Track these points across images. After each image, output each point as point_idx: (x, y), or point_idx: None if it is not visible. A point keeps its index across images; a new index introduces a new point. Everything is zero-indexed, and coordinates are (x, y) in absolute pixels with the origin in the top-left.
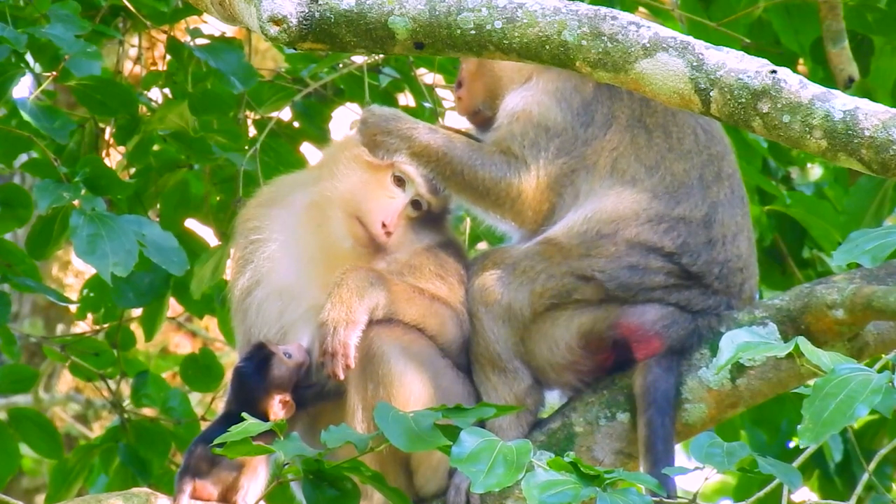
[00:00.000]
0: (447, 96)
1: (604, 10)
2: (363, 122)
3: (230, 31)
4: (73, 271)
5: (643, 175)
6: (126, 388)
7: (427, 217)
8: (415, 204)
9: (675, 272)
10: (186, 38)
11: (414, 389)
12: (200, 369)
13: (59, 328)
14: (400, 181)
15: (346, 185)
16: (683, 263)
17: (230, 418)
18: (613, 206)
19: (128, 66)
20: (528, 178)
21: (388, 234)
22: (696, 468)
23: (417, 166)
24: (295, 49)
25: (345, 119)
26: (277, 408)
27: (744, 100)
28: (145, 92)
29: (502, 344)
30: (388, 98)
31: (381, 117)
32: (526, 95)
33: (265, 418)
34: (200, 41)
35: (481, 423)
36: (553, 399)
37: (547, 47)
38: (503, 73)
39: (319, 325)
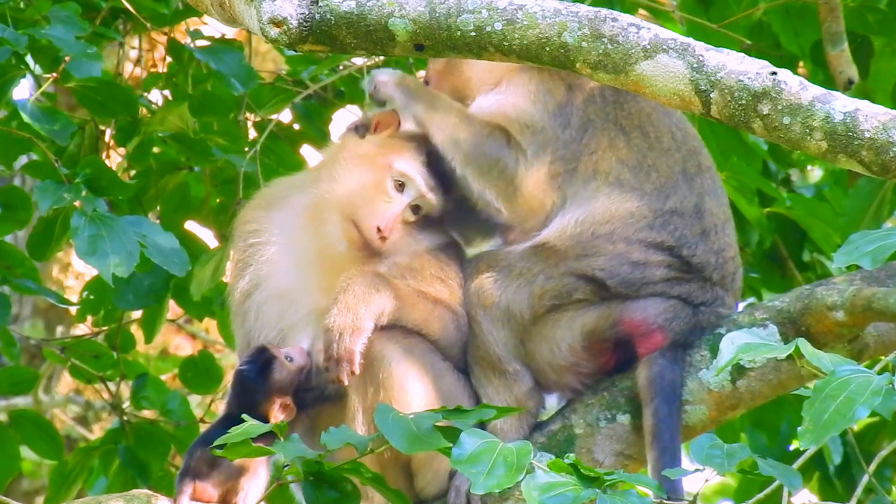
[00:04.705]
0: None
1: (604, 11)
2: (382, 71)
3: (230, 32)
4: (73, 273)
5: (628, 175)
6: (126, 390)
7: (426, 220)
8: (413, 208)
9: (676, 265)
10: (187, 40)
11: (415, 392)
12: (199, 372)
13: (59, 330)
14: (400, 185)
15: (343, 186)
16: (684, 255)
17: (230, 420)
18: (605, 208)
19: (128, 68)
20: (522, 164)
21: (384, 238)
22: (697, 469)
23: (430, 124)
24: (295, 51)
25: (345, 121)
26: (278, 411)
27: (744, 101)
28: (145, 94)
29: (502, 346)
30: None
31: (404, 75)
32: (499, 98)
33: (265, 421)
34: (201, 43)
35: (482, 427)
36: (553, 402)
37: (547, 49)
38: (472, 74)
39: (325, 330)
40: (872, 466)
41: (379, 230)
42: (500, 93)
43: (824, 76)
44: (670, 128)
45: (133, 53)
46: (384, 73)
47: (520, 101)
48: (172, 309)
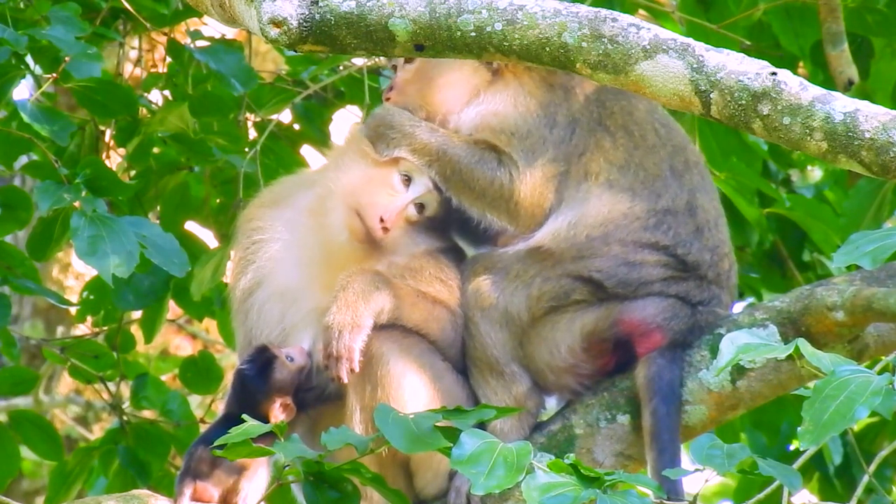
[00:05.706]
0: None
1: (604, 12)
2: (372, 115)
3: (230, 33)
4: (73, 273)
5: (617, 175)
6: (126, 391)
7: (428, 222)
8: (417, 207)
9: (672, 264)
10: (187, 41)
11: (413, 391)
12: (200, 372)
13: (60, 330)
14: (406, 181)
15: (350, 177)
16: (679, 254)
17: (230, 420)
18: (597, 210)
19: (128, 69)
20: (517, 178)
21: (386, 230)
22: (697, 470)
23: (418, 163)
24: (295, 51)
25: (345, 121)
26: (278, 411)
27: (744, 102)
28: (145, 94)
29: (500, 348)
30: None
31: (388, 111)
32: (480, 110)
33: (266, 421)
34: (201, 43)
35: (482, 427)
36: (553, 403)
37: (547, 49)
38: (446, 89)
39: (324, 328)
40: (872, 466)
41: (382, 220)
42: (480, 104)
43: (824, 76)
44: (653, 125)
45: (133, 53)
46: (376, 113)
47: (501, 108)
48: (172, 309)
